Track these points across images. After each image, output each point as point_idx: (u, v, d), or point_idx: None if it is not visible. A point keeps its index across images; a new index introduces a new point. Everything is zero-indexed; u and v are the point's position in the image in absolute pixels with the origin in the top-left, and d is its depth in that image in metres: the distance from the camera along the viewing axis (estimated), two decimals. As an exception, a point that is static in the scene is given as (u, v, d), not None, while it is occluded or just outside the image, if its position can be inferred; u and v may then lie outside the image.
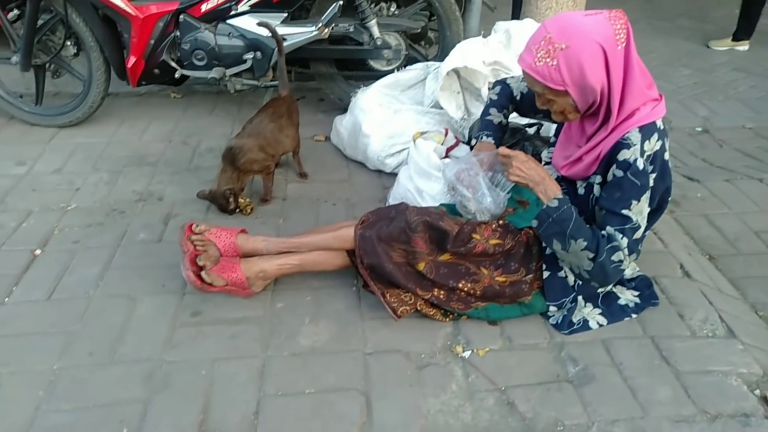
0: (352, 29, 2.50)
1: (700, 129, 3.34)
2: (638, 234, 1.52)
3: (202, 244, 1.73)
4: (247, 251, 1.79)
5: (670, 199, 1.66)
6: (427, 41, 3.15)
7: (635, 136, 1.45)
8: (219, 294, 1.74)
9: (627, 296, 1.75)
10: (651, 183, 1.50)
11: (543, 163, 1.85)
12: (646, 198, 1.50)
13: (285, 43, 2.39)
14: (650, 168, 1.49)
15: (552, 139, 1.88)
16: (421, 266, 1.65)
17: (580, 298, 1.70)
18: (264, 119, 2.20)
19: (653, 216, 1.64)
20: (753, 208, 2.46)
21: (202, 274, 1.66)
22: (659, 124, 1.49)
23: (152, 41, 2.46)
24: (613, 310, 1.72)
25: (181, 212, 2.18)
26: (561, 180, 1.72)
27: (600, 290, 1.72)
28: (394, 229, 1.64)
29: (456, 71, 2.28)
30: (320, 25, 2.39)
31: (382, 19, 2.54)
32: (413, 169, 2.07)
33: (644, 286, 1.79)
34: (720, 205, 2.47)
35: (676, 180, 2.68)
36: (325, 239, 1.77)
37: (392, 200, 2.18)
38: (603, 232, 1.52)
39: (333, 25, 2.43)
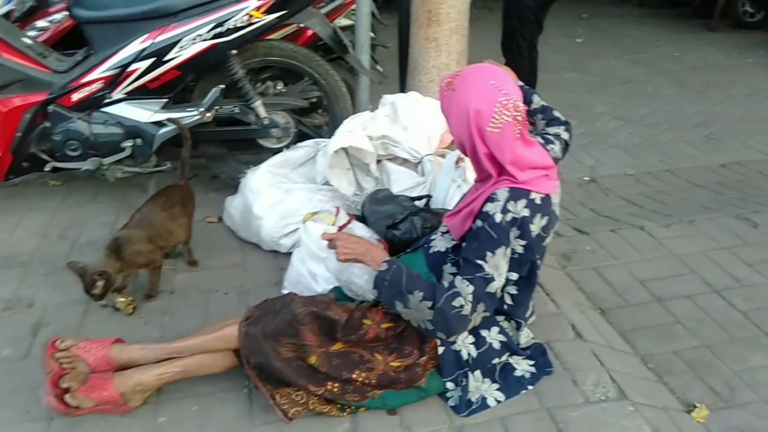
0: (237, 110, 2.46)
1: (587, 178, 3.54)
2: (492, 287, 1.50)
3: (68, 361, 1.58)
4: (122, 363, 1.65)
5: (539, 265, 1.64)
6: (325, 109, 3.18)
7: (502, 193, 1.50)
8: (93, 414, 1.57)
9: (523, 366, 1.75)
10: (516, 246, 1.53)
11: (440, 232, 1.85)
12: (502, 253, 1.50)
13: (165, 129, 2.32)
14: (513, 230, 1.51)
15: None
16: (313, 360, 1.58)
17: (477, 372, 1.69)
18: (154, 208, 2.09)
19: (525, 287, 1.66)
20: (637, 257, 2.59)
21: (67, 397, 1.50)
22: (534, 196, 1.53)
23: (19, 134, 2.30)
24: (510, 383, 1.71)
25: (53, 320, 1.99)
26: (453, 248, 1.73)
27: (496, 362, 1.72)
28: (281, 323, 1.57)
29: (345, 148, 2.29)
30: (202, 109, 2.33)
31: (267, 98, 2.53)
32: (305, 252, 2.02)
33: (538, 353, 1.80)
34: (608, 257, 2.59)
35: (567, 234, 2.80)
36: (208, 341, 1.66)
37: (287, 283, 2.12)
38: (446, 282, 1.54)
39: (216, 107, 2.39)
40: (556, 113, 1.91)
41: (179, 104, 2.49)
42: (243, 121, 2.51)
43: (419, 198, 2.21)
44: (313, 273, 1.99)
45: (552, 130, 1.85)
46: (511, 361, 1.75)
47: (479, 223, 1.51)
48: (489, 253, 1.49)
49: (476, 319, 1.55)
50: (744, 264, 2.52)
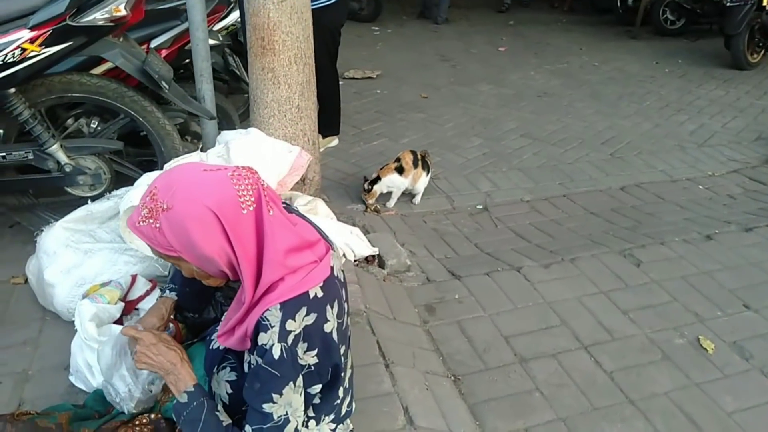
0: (30, 156, 2.10)
1: (480, 206, 3.28)
2: (290, 429, 1.22)
3: None
4: None
5: (345, 362, 1.38)
6: (195, 135, 2.86)
7: (274, 316, 1.16)
8: None
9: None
10: (309, 360, 1.22)
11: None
12: (292, 388, 1.20)
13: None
14: (299, 346, 1.21)
15: None
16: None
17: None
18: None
19: (329, 391, 1.36)
20: (507, 306, 2.33)
21: None
22: (313, 292, 1.20)
23: None
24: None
25: None
26: (230, 351, 1.43)
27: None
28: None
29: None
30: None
31: (69, 141, 2.16)
32: (81, 338, 1.68)
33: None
34: (476, 307, 2.32)
35: (438, 278, 2.52)
36: None
37: (72, 370, 1.77)
38: None
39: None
40: None
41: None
42: (42, 168, 2.14)
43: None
44: (89, 365, 1.65)
45: None
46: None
47: (257, 359, 1.18)
48: (275, 395, 1.18)
49: None
50: (620, 312, 2.29)
